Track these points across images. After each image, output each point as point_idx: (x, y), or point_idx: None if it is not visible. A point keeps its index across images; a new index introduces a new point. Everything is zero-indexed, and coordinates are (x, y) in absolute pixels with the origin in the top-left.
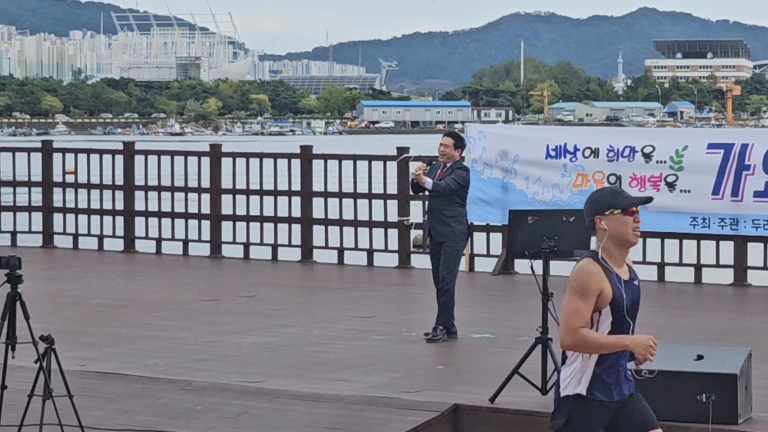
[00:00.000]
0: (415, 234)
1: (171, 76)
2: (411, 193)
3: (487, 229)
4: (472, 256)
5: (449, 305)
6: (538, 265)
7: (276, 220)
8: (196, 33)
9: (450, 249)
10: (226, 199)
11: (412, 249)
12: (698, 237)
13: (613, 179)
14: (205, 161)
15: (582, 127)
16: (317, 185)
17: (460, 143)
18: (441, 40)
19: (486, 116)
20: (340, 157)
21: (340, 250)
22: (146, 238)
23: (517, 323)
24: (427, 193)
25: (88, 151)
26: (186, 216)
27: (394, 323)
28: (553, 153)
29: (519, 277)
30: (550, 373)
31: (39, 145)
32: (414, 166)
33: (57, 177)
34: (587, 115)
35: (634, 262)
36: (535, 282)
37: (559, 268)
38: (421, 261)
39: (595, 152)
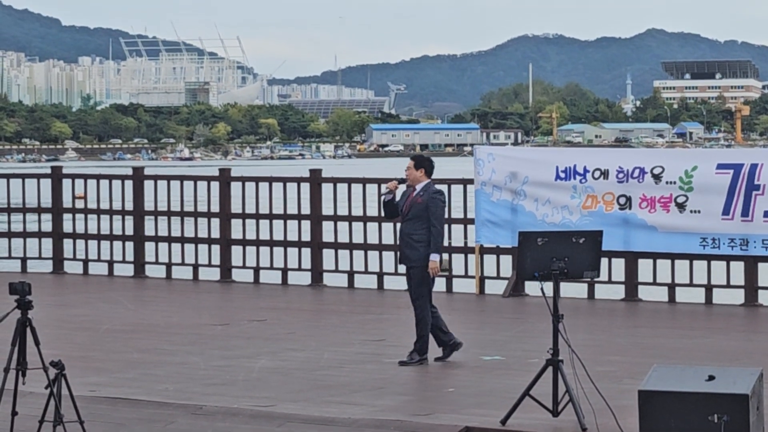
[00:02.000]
0: None
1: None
2: (386, 216)
3: (497, 251)
4: (482, 279)
5: (424, 332)
6: (548, 286)
7: (286, 244)
8: (204, 58)
9: (418, 274)
10: (236, 224)
11: None
12: (708, 257)
13: (623, 200)
14: (215, 186)
15: (591, 148)
16: (327, 209)
17: (421, 163)
18: (449, 63)
19: (495, 138)
20: (350, 181)
21: (350, 274)
22: (156, 263)
23: (527, 345)
24: (403, 215)
25: (98, 177)
26: (196, 241)
27: (405, 346)
28: (562, 175)
29: (529, 299)
30: (562, 395)
31: (49, 171)
32: (389, 186)
33: (67, 203)
34: (596, 136)
35: (643, 283)
36: (545, 304)
37: (570, 289)
38: (437, 284)
39: (605, 173)
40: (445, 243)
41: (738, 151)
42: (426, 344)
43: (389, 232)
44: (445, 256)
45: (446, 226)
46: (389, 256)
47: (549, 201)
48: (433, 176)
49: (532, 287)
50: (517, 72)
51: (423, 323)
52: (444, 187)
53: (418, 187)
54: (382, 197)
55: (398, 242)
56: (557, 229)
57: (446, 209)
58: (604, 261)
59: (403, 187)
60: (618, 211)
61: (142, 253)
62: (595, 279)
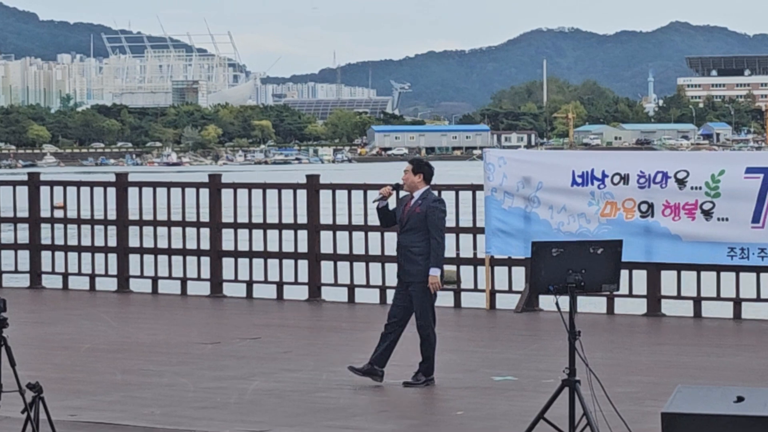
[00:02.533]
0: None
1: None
2: (382, 225)
3: (509, 262)
4: (492, 293)
5: (430, 352)
6: (564, 301)
7: (281, 255)
8: (193, 55)
9: (420, 291)
10: (227, 234)
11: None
12: (737, 269)
13: (644, 208)
14: (204, 193)
15: (610, 151)
16: (325, 218)
17: (419, 168)
18: (457, 60)
19: (506, 141)
20: (350, 187)
21: (351, 288)
22: (141, 276)
23: (542, 364)
24: (400, 226)
25: (78, 184)
26: (184, 252)
27: (410, 366)
28: (579, 180)
29: (544, 314)
30: (579, 418)
31: (25, 177)
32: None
33: (45, 212)
34: (616, 138)
35: (667, 297)
36: (561, 319)
37: (587, 304)
38: (444, 299)
39: (625, 178)
40: (453, 254)
41: None
42: (432, 365)
43: (393, 243)
44: (453, 268)
45: (454, 236)
46: (393, 269)
47: (565, 208)
48: (441, 182)
49: (546, 302)
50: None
51: (428, 343)
52: (451, 194)
53: (416, 194)
54: (375, 204)
55: (396, 255)
56: (573, 239)
57: (446, 220)
58: (624, 273)
59: (402, 193)
60: (639, 219)
61: (126, 266)
62: (615, 292)
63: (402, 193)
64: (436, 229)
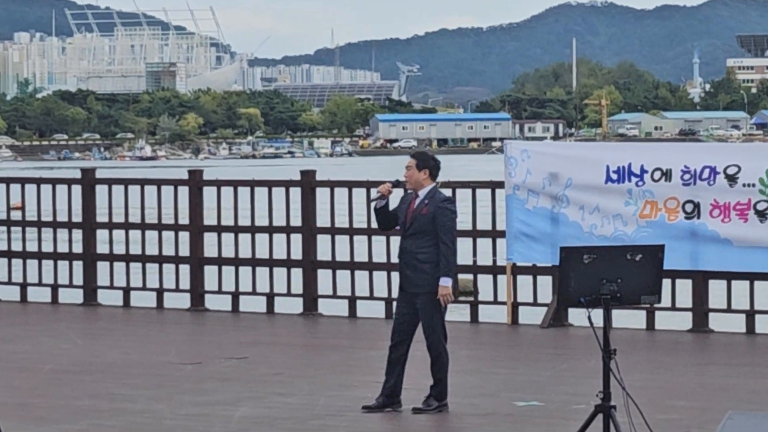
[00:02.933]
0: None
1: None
2: (381, 228)
3: (534, 271)
4: (515, 306)
5: (442, 373)
6: (597, 315)
7: (272, 263)
8: (170, 34)
9: (428, 304)
10: (210, 239)
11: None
12: None
13: (689, 208)
14: (184, 191)
15: (650, 143)
16: (322, 219)
17: (424, 162)
18: (473, 39)
19: (530, 131)
20: (350, 184)
21: (352, 300)
22: (111, 287)
23: (571, 387)
24: (398, 228)
25: (39, 181)
26: (160, 260)
27: (419, 389)
28: (614, 176)
29: (574, 330)
30: None
31: None
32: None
33: (0, 214)
34: (656, 128)
35: (715, 310)
36: (593, 336)
37: (624, 318)
38: (460, 312)
39: (667, 174)
40: (469, 261)
41: None
42: (445, 388)
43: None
44: (469, 277)
45: (470, 241)
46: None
47: (598, 209)
48: (455, 178)
49: (577, 316)
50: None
51: (440, 363)
52: (467, 192)
53: (422, 193)
54: (373, 204)
55: (399, 262)
56: (608, 244)
57: (459, 222)
58: (666, 282)
59: (401, 191)
60: (684, 221)
61: (93, 276)
62: (656, 305)
63: (402, 190)
64: (446, 233)
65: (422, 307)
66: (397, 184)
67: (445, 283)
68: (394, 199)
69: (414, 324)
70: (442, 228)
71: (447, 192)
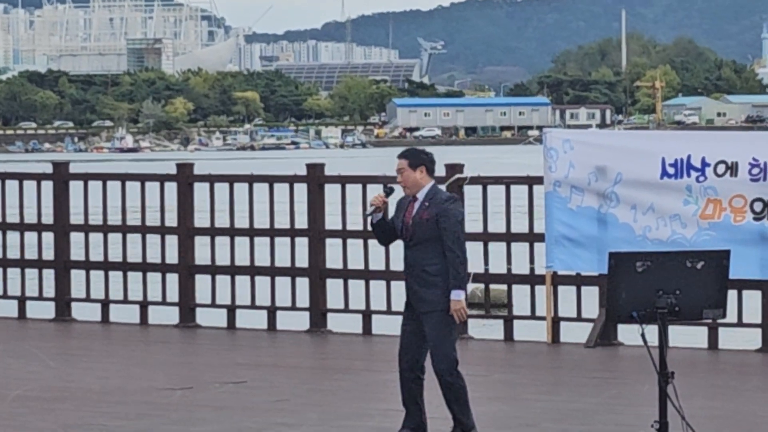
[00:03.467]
0: (473, 288)
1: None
2: (380, 243)
3: (577, 281)
4: (556, 321)
5: (462, 400)
6: (652, 331)
7: (274, 271)
8: (155, 5)
9: (439, 323)
10: (201, 243)
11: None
12: None
13: (758, 207)
14: (171, 188)
15: (712, 132)
16: (332, 221)
17: (417, 159)
18: (506, 11)
19: (573, 118)
20: (365, 180)
21: (366, 315)
22: (87, 300)
23: (622, 416)
24: (405, 240)
25: (3, 176)
26: (144, 267)
27: (444, 418)
28: (671, 170)
29: (624, 349)
30: None
31: None
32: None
33: None
34: (719, 114)
35: None
36: (647, 356)
37: (682, 335)
38: (493, 329)
39: (733, 168)
40: (501, 269)
41: None
42: (469, 420)
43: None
44: (503, 288)
45: (504, 246)
46: None
47: (652, 208)
48: (487, 173)
49: (627, 333)
50: (604, 22)
51: (455, 392)
52: (500, 189)
53: (420, 195)
54: (369, 218)
55: (405, 276)
56: (664, 249)
57: (466, 222)
58: (731, 294)
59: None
60: (752, 223)
61: (66, 286)
62: (720, 320)
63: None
64: (452, 240)
65: (432, 327)
66: (390, 192)
67: (457, 296)
68: (392, 200)
69: (419, 347)
70: (447, 233)
71: (477, 190)
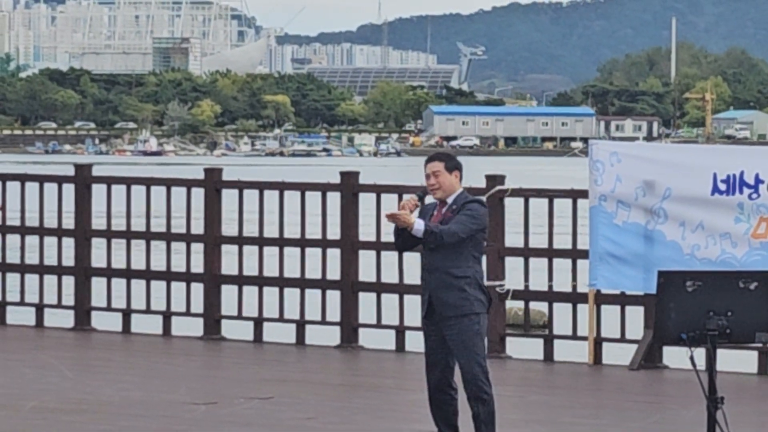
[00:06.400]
0: (512, 307)
1: (145, 66)
2: (395, 246)
3: (622, 300)
4: (598, 342)
5: (491, 419)
6: (701, 354)
7: (303, 284)
8: (183, 3)
9: (466, 330)
10: (229, 252)
11: (507, 330)
12: None
13: None
14: (198, 194)
15: (765, 147)
16: (366, 232)
17: (453, 163)
18: (551, 16)
19: (618, 130)
20: (400, 190)
21: (400, 331)
22: (108, 309)
23: None
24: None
25: (22, 178)
26: (168, 277)
27: None
28: (722, 186)
29: (671, 373)
30: None
31: None
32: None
33: None
34: None
35: None
36: (696, 380)
37: (734, 359)
38: (531, 348)
39: None
40: (542, 286)
41: None
42: None
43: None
44: (544, 306)
45: (546, 262)
46: None
47: (702, 226)
48: (527, 185)
49: (673, 355)
50: (652, 30)
51: (485, 411)
52: (542, 202)
53: (450, 200)
54: (395, 227)
55: (426, 282)
56: (715, 269)
57: (483, 229)
58: None
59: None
60: None
61: (87, 295)
62: None
63: (428, 199)
64: (461, 221)
65: (459, 332)
66: (424, 194)
67: (418, 224)
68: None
69: (445, 358)
70: (460, 217)
71: (519, 203)
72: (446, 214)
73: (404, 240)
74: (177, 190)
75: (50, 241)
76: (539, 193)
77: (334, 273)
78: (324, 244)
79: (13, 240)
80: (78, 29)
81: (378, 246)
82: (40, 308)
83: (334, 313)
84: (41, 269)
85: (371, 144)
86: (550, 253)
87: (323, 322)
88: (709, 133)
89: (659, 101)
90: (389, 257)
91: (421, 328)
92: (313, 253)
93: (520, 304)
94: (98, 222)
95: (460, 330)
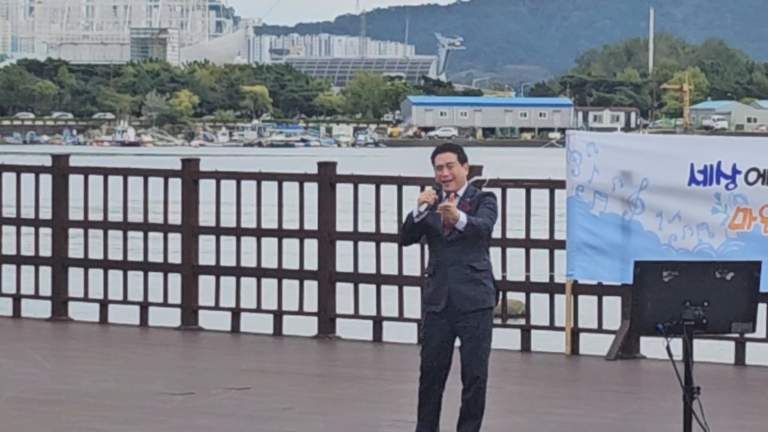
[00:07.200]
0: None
1: (123, 56)
2: (402, 240)
3: (599, 290)
4: (575, 332)
5: (481, 413)
6: (677, 345)
7: (281, 274)
8: None
9: (484, 325)
10: (206, 243)
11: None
12: None
13: None
14: (175, 184)
15: (745, 138)
16: (344, 222)
17: (463, 154)
18: (529, 7)
19: (596, 120)
20: (379, 180)
21: (377, 321)
22: (85, 299)
23: None
24: (446, 237)
25: (0, 168)
26: (145, 267)
27: None
28: (700, 177)
29: (647, 363)
30: None
31: None
32: (426, 195)
33: None
34: (749, 119)
35: None
36: (672, 371)
37: (710, 350)
38: (508, 339)
39: (765, 176)
40: (520, 277)
41: None
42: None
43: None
44: (521, 296)
45: (522, 252)
46: None
47: (679, 216)
48: (505, 175)
49: (650, 346)
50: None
51: (482, 399)
52: (519, 193)
53: (460, 192)
54: (416, 218)
55: (442, 276)
56: (692, 259)
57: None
58: (761, 308)
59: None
60: None
61: (64, 285)
62: (748, 335)
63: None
64: (488, 213)
65: (477, 326)
66: (440, 189)
67: (462, 218)
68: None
69: (452, 353)
70: (485, 209)
71: (496, 193)
72: (464, 207)
73: (414, 234)
74: (154, 180)
75: (27, 231)
76: (516, 183)
77: (311, 264)
78: (301, 234)
79: None
80: (56, 20)
81: (355, 236)
82: (17, 298)
83: (311, 303)
84: (18, 260)
85: (349, 134)
86: (527, 244)
87: (301, 312)
88: (686, 123)
89: (637, 92)
90: (366, 248)
91: (425, 321)
92: (291, 244)
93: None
94: (75, 212)
95: (479, 324)
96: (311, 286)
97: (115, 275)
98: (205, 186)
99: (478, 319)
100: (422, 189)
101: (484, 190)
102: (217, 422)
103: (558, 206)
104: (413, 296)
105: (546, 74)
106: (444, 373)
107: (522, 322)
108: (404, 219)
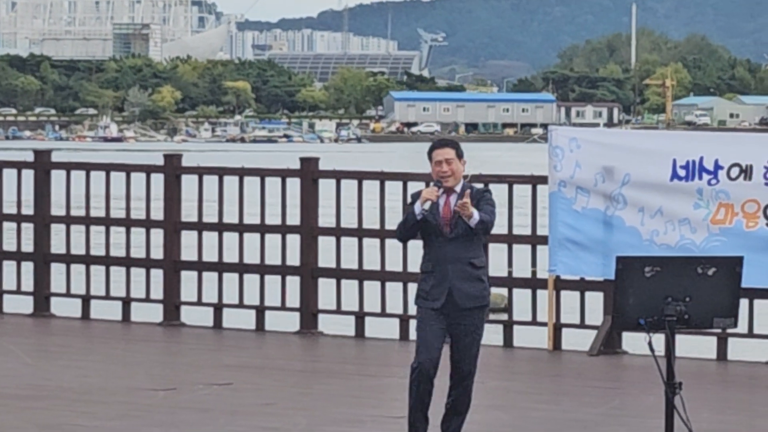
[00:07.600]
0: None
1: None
2: (401, 237)
3: (581, 286)
4: (558, 328)
5: (469, 405)
6: (659, 340)
7: (263, 269)
8: None
9: (480, 322)
10: (189, 238)
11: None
12: None
13: None
14: (158, 180)
15: (727, 133)
16: (326, 218)
17: (460, 150)
18: (511, 2)
19: (579, 116)
20: (361, 176)
21: (359, 316)
22: (67, 295)
23: (626, 428)
24: (445, 233)
25: None
26: (127, 262)
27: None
28: (682, 172)
29: (630, 358)
30: None
31: None
32: (428, 193)
33: None
34: (732, 115)
35: None
36: (654, 366)
37: (692, 345)
38: (490, 335)
39: (747, 171)
40: (502, 272)
41: None
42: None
43: (419, 254)
44: (503, 291)
45: (505, 247)
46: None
47: (661, 212)
48: (487, 171)
49: (633, 341)
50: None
51: (470, 395)
52: (502, 188)
53: (457, 188)
54: (419, 215)
55: (441, 272)
56: (673, 254)
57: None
58: (743, 303)
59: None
60: (766, 229)
61: (46, 281)
62: (731, 330)
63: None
64: (491, 211)
65: (473, 323)
66: (440, 185)
67: (476, 214)
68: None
69: (442, 349)
70: (486, 207)
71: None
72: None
73: (414, 231)
74: (137, 176)
75: (9, 227)
76: (499, 179)
77: (293, 259)
78: (284, 230)
79: None
80: (38, 15)
81: (337, 232)
82: None
83: (293, 299)
84: (0, 255)
85: (332, 130)
86: (509, 239)
87: (283, 308)
88: (669, 119)
89: (620, 87)
90: (349, 243)
91: (421, 318)
92: (273, 239)
93: (499, 291)
94: (57, 208)
95: (478, 319)
96: (293, 282)
97: (98, 270)
98: (188, 181)
99: (476, 316)
100: (405, 186)
101: (481, 186)
102: (199, 418)
103: (540, 202)
104: (395, 292)
105: (528, 70)
106: (434, 368)
107: (504, 317)
108: (404, 216)
